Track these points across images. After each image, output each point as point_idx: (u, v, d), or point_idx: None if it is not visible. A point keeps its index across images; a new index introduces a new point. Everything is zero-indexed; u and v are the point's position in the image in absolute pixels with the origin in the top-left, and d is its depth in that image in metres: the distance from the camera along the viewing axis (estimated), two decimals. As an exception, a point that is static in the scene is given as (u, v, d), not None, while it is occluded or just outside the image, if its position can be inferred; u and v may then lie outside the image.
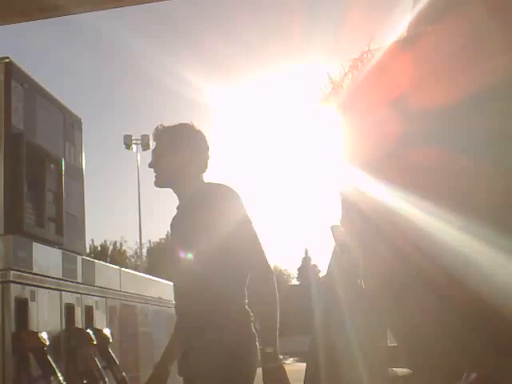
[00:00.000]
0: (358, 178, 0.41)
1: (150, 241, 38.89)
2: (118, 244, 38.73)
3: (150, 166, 2.66)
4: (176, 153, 2.63)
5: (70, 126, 4.93)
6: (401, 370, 0.80)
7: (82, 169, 5.07)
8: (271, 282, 2.50)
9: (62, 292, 4.08)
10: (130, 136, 28.76)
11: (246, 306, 2.54)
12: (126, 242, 38.43)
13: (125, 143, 28.79)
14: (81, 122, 5.15)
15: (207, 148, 2.73)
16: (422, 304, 0.38)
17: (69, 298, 4.15)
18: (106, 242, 38.56)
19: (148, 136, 28.54)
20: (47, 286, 3.88)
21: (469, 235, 0.34)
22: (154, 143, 2.75)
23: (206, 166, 2.72)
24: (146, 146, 27.89)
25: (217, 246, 2.48)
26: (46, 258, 3.95)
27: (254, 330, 2.57)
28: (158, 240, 38.37)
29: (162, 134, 2.71)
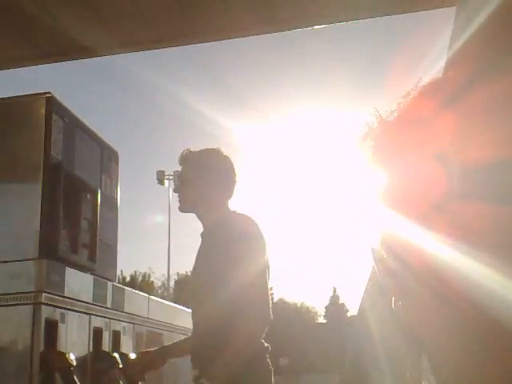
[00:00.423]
0: (404, 227, 0.40)
1: (177, 273, 39.13)
2: (146, 275, 39.04)
3: (175, 190, 2.69)
4: (200, 178, 2.61)
5: (107, 158, 5.16)
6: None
7: (116, 200, 5.28)
8: (251, 329, 2.45)
9: (92, 316, 4.24)
10: (163, 172, 29.38)
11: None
12: (153, 273, 38.69)
13: (158, 178, 29.45)
14: (117, 155, 5.38)
15: (234, 175, 2.70)
16: (468, 355, 0.36)
17: (97, 321, 4.31)
18: (135, 272, 38.97)
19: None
20: (77, 309, 4.05)
21: None
22: (180, 168, 2.72)
23: (231, 194, 2.68)
24: (177, 182, 28.31)
25: (226, 287, 2.44)
26: (77, 283, 4.13)
27: (267, 361, 2.60)
28: (185, 272, 38.59)
29: (188, 158, 2.69)
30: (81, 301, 4.12)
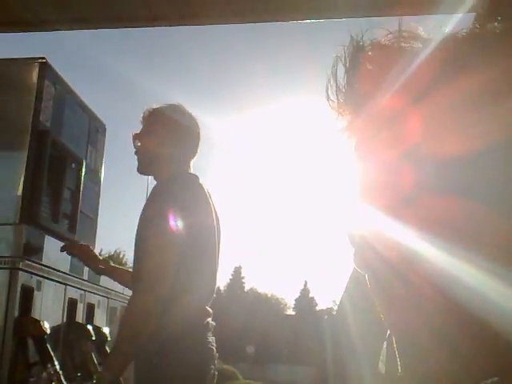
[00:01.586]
0: (378, 221, 0.40)
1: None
2: (121, 254, 38.63)
3: (135, 153, 2.45)
4: (160, 135, 2.39)
5: (95, 130, 5.11)
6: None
7: (100, 173, 5.24)
8: (142, 296, 2.14)
9: (67, 286, 4.21)
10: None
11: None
12: (125, 253, 37.98)
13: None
14: (105, 128, 5.33)
15: (197, 133, 2.49)
16: (437, 341, 0.37)
17: (73, 292, 4.29)
18: (117, 251, 38.65)
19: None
20: (54, 278, 4.02)
21: (484, 272, 0.34)
22: (141, 126, 2.49)
23: (193, 153, 2.46)
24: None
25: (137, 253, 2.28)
26: (56, 252, 4.08)
27: (204, 339, 2.29)
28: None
29: (147, 116, 2.50)
30: (58, 270, 4.09)
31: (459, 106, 0.39)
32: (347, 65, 0.45)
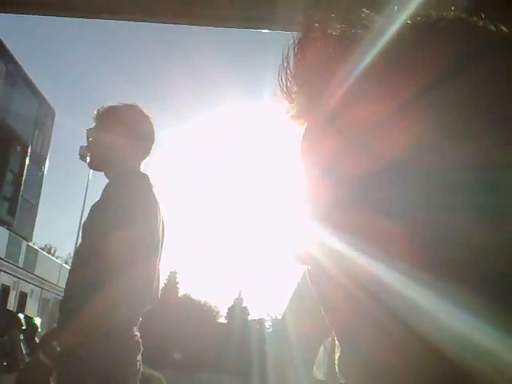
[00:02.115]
0: (316, 236, 0.39)
1: None
2: (52, 251, 37.35)
3: (87, 147, 2.39)
4: (113, 134, 2.31)
5: (44, 115, 4.99)
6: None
7: (45, 159, 5.11)
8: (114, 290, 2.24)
9: (1, 272, 4.07)
10: (87, 147, 28.30)
11: None
12: (56, 250, 36.56)
13: (80, 154, 28.26)
14: (54, 114, 5.21)
15: (150, 134, 2.42)
16: (377, 348, 0.36)
17: (6, 279, 4.14)
18: (47, 246, 37.45)
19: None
20: (-13, 262, 3.88)
21: (407, 281, 0.35)
22: (95, 123, 2.44)
23: (145, 154, 2.39)
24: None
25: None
26: (-8, 235, 3.95)
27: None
28: None
29: (104, 113, 2.41)
30: (-8, 254, 3.95)
31: (368, 124, 0.39)
32: (295, 48, 0.45)
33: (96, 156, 2.37)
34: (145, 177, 2.37)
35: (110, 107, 2.45)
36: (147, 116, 2.37)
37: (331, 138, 0.41)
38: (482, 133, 0.35)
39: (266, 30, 3.09)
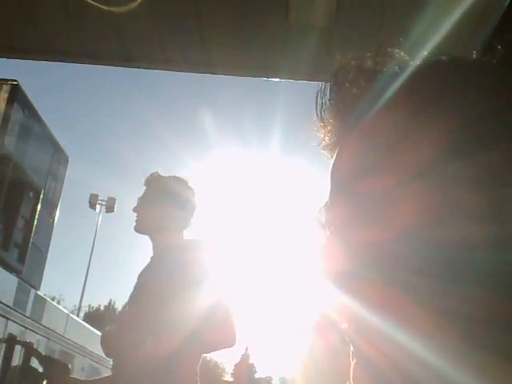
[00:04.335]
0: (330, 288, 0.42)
1: (89, 305, 37.11)
2: (55, 301, 36.95)
3: (134, 210, 2.63)
4: (159, 203, 2.58)
5: (57, 161, 4.97)
6: None
7: (57, 205, 5.06)
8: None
9: (9, 321, 3.95)
10: (97, 196, 28.64)
11: None
12: (63, 300, 36.48)
13: (90, 202, 28.58)
14: (68, 161, 5.20)
15: (193, 207, 2.69)
16: None
17: (13, 328, 4.02)
18: (45, 295, 37.05)
19: (114, 200, 28.63)
20: (-5, 310, 3.77)
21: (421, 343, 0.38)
22: (144, 188, 2.72)
23: (187, 224, 2.66)
24: (110, 209, 27.88)
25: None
26: (1, 283, 3.86)
27: None
28: (98, 305, 36.72)
29: (154, 181, 2.69)
30: (1, 302, 3.84)
31: (370, 199, 0.42)
32: (332, 84, 0.49)
33: (143, 220, 2.60)
34: (194, 242, 2.57)
35: (160, 177, 2.71)
36: (192, 188, 2.65)
37: (341, 202, 0.43)
38: (492, 212, 0.37)
39: (277, 79, 3.08)
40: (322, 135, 0.50)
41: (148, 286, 2.53)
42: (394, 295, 0.38)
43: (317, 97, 0.50)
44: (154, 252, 2.62)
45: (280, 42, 2.56)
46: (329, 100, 0.49)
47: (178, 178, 2.71)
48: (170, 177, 2.71)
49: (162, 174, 2.70)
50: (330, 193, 0.46)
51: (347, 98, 0.47)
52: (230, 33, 2.51)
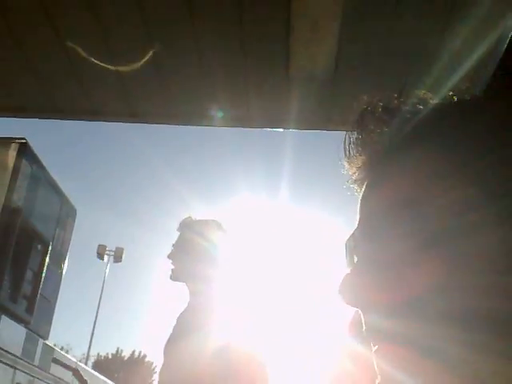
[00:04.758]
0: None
1: (98, 353, 36.50)
2: (63, 350, 36.19)
3: (169, 257, 2.61)
4: (193, 251, 2.57)
5: (65, 214, 5.12)
6: None
7: (65, 257, 5.19)
8: None
9: (16, 370, 4.06)
10: (105, 246, 28.39)
11: None
12: (71, 349, 35.92)
13: (98, 252, 28.31)
14: (75, 213, 5.35)
15: (223, 251, 2.66)
16: None
17: (21, 377, 4.12)
18: (55, 345, 36.48)
19: (122, 249, 28.48)
20: (3, 360, 3.88)
21: None
22: (178, 233, 2.67)
23: (219, 269, 2.61)
24: (118, 259, 27.81)
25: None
26: (9, 333, 3.98)
27: None
28: (106, 353, 36.08)
29: (186, 227, 2.64)
30: (9, 352, 3.95)
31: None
32: (359, 122, 0.51)
33: (179, 269, 2.59)
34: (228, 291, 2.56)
35: (194, 221, 2.66)
36: (224, 233, 2.65)
37: (369, 243, 0.44)
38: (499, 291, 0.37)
39: (281, 129, 3.16)
40: (351, 171, 0.51)
41: (189, 325, 2.47)
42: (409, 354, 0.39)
43: (345, 136, 0.51)
44: (190, 298, 2.56)
45: (283, 95, 2.68)
46: (356, 138, 0.50)
47: (209, 220, 2.65)
48: (201, 220, 2.66)
49: (194, 218, 2.64)
50: (359, 224, 0.47)
51: (374, 134, 0.49)
52: (235, 90, 2.63)
